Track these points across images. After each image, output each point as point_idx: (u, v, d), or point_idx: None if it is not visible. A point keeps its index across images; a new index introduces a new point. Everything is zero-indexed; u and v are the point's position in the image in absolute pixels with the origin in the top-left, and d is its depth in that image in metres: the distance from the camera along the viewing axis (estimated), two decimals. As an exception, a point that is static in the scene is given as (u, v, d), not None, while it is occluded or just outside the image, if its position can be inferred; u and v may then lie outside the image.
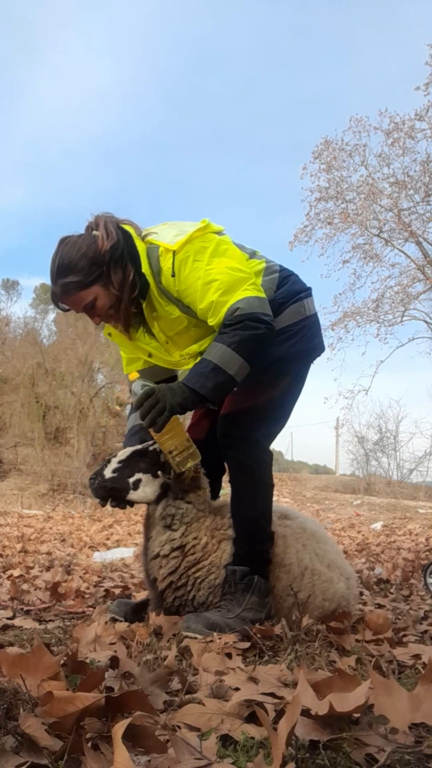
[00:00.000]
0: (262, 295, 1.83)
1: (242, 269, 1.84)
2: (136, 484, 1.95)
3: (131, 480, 1.95)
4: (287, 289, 2.00)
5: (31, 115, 43.63)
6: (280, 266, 2.05)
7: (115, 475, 1.95)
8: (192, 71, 41.10)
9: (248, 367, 1.79)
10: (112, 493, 1.96)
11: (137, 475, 1.95)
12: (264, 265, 1.99)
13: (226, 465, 2.09)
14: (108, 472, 1.96)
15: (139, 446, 2.01)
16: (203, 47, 38.49)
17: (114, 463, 1.98)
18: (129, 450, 2.00)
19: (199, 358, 2.00)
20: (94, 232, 1.90)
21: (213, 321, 1.83)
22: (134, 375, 1.93)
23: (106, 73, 44.07)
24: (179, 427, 1.82)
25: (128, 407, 2.28)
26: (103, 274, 1.87)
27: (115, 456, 2.01)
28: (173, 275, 1.84)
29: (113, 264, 1.86)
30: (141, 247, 1.89)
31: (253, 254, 2.01)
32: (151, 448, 1.97)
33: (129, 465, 1.96)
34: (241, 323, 1.76)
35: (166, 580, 1.91)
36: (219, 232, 1.92)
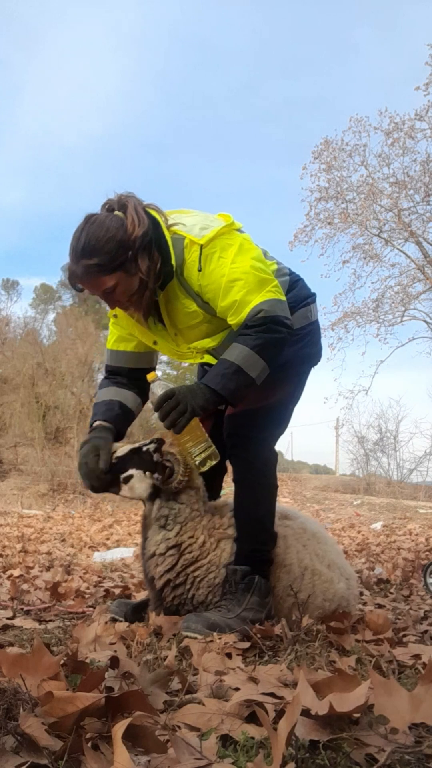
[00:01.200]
0: (284, 298, 1.82)
1: (266, 270, 1.83)
2: (127, 479, 1.97)
3: (123, 476, 1.96)
4: (296, 294, 2.01)
5: (30, 115, 43.67)
6: (290, 269, 2.06)
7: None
8: (192, 71, 41.14)
9: (268, 371, 1.78)
10: (107, 486, 1.98)
11: (129, 471, 1.97)
12: (275, 266, 2.00)
13: (230, 464, 2.09)
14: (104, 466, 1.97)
15: (136, 444, 2.02)
16: (203, 47, 38.51)
17: (111, 459, 1.99)
18: (127, 447, 2.01)
19: (206, 356, 2.00)
20: (117, 212, 1.83)
21: (234, 320, 1.82)
22: (152, 375, 1.89)
23: (106, 73, 44.11)
24: (199, 428, 1.81)
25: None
26: (129, 260, 1.79)
27: (114, 451, 2.02)
28: (199, 269, 1.81)
29: (141, 251, 1.79)
30: (168, 237, 1.84)
31: (264, 254, 2.00)
32: (145, 448, 1.99)
33: (124, 461, 1.98)
34: (264, 326, 1.75)
35: (163, 578, 1.92)
36: (240, 229, 1.91)
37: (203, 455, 1.83)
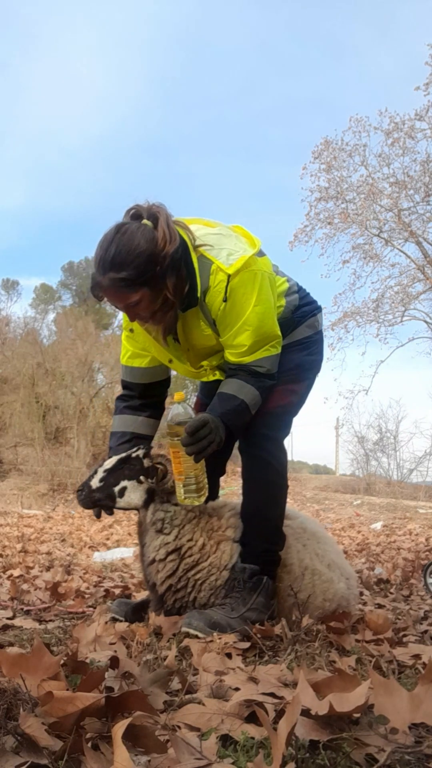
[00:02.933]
0: (279, 351, 1.92)
1: (275, 324, 1.89)
2: (122, 492, 1.95)
3: (116, 488, 1.95)
4: (305, 309, 2.09)
5: (30, 115, 43.65)
6: (298, 286, 2.10)
7: (101, 484, 1.95)
8: (192, 71, 41.13)
9: (256, 409, 1.89)
10: (99, 503, 1.96)
11: (122, 483, 1.95)
12: (286, 285, 2.04)
13: (238, 464, 2.10)
14: (95, 483, 1.96)
15: (123, 454, 2.00)
16: (203, 47, 38.49)
17: (100, 473, 1.97)
18: (114, 458, 2.00)
19: (218, 373, 2.00)
20: (145, 221, 1.77)
21: (233, 358, 1.87)
22: (181, 396, 1.83)
23: (106, 74, 44.09)
24: (202, 463, 1.80)
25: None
26: (156, 276, 1.74)
27: (101, 465, 2.01)
28: (224, 300, 1.80)
29: (170, 268, 1.74)
30: (194, 258, 1.81)
31: (275, 270, 2.03)
32: (134, 455, 1.98)
33: (113, 473, 1.96)
34: (265, 376, 1.89)
35: (165, 584, 1.91)
36: (260, 252, 1.91)
37: (192, 488, 1.79)
